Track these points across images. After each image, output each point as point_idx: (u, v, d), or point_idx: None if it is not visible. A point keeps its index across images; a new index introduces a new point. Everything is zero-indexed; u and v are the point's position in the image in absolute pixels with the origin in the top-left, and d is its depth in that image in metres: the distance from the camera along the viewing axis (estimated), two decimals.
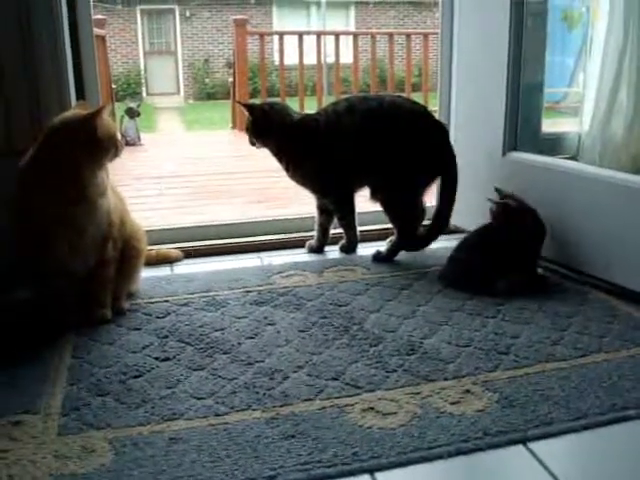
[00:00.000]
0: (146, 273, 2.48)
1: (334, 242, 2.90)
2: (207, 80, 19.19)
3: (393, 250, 2.73)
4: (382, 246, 2.79)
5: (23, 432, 1.57)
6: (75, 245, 2.08)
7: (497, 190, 2.48)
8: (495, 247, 2.35)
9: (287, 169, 2.77)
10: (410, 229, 2.71)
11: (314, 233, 2.89)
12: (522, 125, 2.79)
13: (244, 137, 2.86)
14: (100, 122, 2.04)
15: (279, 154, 2.76)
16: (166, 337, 2.05)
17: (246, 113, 2.74)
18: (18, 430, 1.58)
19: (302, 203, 3.98)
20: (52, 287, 2.13)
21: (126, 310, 2.24)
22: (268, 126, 2.72)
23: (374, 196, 2.69)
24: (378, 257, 2.72)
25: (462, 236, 2.57)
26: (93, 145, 2.03)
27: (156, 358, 1.92)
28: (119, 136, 2.14)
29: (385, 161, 2.59)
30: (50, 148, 2.03)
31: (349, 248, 2.86)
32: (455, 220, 2.76)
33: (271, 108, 2.74)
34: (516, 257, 2.35)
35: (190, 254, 2.83)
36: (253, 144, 2.76)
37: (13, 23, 2.34)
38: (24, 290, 2.25)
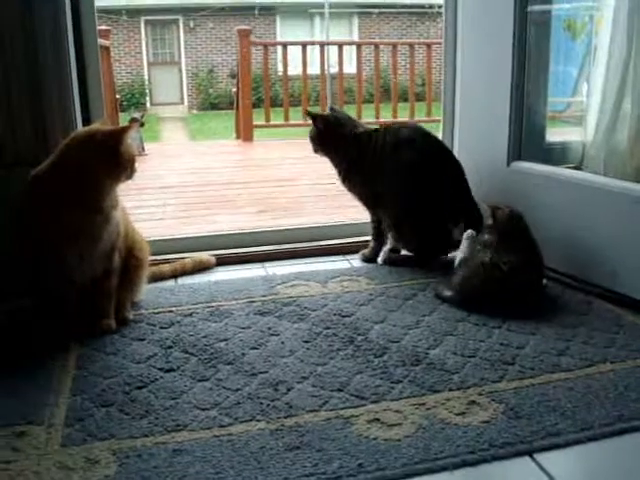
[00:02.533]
0: (149, 284, 2.48)
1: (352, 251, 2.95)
2: (211, 90, 19.22)
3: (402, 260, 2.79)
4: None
5: (26, 443, 1.57)
6: (86, 255, 2.10)
7: None
8: None
9: (340, 177, 2.83)
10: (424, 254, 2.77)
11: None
12: (526, 134, 2.79)
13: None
14: (125, 140, 2.07)
15: (336, 164, 2.83)
16: (170, 347, 2.05)
17: (311, 122, 2.82)
18: (21, 441, 1.58)
19: (306, 213, 4.00)
20: (55, 296, 2.13)
21: (130, 320, 2.24)
22: (330, 137, 2.79)
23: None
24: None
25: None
26: (115, 160, 2.05)
27: (160, 369, 1.92)
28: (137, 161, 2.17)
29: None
30: (73, 157, 2.05)
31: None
32: None
33: (336, 119, 2.81)
34: None
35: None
36: (316, 152, 2.85)
37: (18, 34, 2.34)
38: (25, 299, 2.24)
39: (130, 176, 2.14)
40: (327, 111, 2.92)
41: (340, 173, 2.82)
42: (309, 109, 2.87)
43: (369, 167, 2.71)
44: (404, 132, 2.72)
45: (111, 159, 2.04)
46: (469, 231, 2.45)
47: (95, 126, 2.18)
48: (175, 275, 2.68)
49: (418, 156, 2.64)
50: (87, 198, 2.05)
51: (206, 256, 2.83)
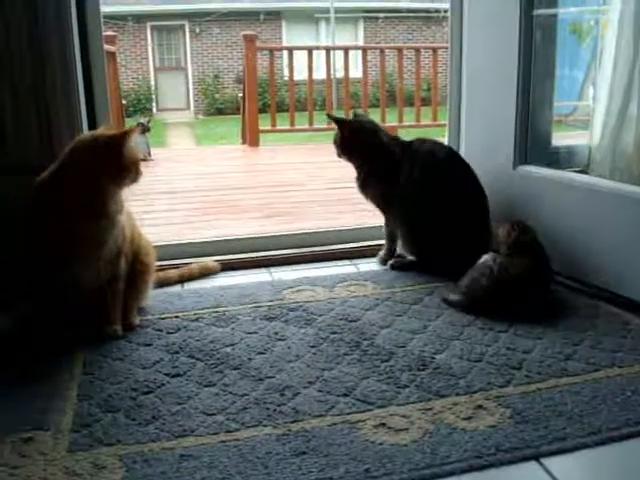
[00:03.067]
0: (156, 289, 2.48)
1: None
2: (217, 95, 19.25)
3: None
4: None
5: (33, 449, 1.57)
6: (91, 260, 2.10)
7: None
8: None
9: (358, 182, 2.84)
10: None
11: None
12: (532, 138, 2.79)
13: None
14: (128, 143, 2.07)
15: (358, 169, 2.84)
16: (177, 353, 2.05)
17: (336, 128, 2.84)
18: (28, 447, 1.58)
19: (312, 218, 4.00)
20: (59, 302, 2.14)
21: (136, 325, 2.24)
22: (354, 143, 2.80)
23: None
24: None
25: None
26: (118, 163, 2.06)
27: (167, 374, 1.92)
28: (141, 164, 2.17)
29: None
30: (77, 162, 2.05)
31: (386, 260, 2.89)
32: None
33: (361, 126, 2.83)
34: None
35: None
36: (339, 156, 2.87)
37: (24, 39, 2.36)
38: (26, 304, 2.25)
39: (135, 179, 2.14)
40: (351, 116, 2.93)
41: (359, 178, 2.84)
42: (332, 114, 2.86)
43: (389, 176, 2.72)
44: (427, 147, 2.72)
45: (114, 162, 2.05)
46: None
47: (99, 130, 2.19)
48: (182, 280, 2.69)
49: (439, 171, 2.65)
50: (91, 202, 2.05)
51: (212, 263, 2.83)
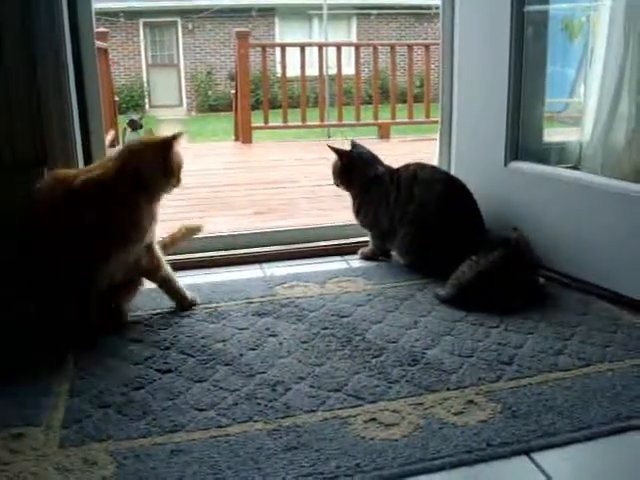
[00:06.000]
0: (149, 284, 2.47)
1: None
2: (210, 92, 19.23)
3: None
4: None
5: (24, 445, 1.57)
6: (126, 261, 2.19)
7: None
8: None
9: (354, 208, 2.89)
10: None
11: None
12: (524, 135, 2.79)
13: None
14: (176, 148, 2.21)
15: (354, 197, 2.89)
16: (168, 349, 2.05)
17: (335, 157, 2.89)
18: (19, 442, 1.58)
19: (304, 214, 4.00)
20: (59, 299, 2.15)
21: (128, 321, 2.25)
22: (352, 173, 2.86)
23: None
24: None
25: None
26: (167, 167, 2.20)
27: (158, 370, 1.92)
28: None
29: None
30: (133, 166, 2.14)
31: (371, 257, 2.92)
32: None
33: (359, 156, 2.88)
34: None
35: (192, 266, 2.82)
36: (337, 185, 2.94)
37: (16, 37, 2.35)
38: (27, 303, 2.24)
39: (177, 184, 2.24)
40: (349, 147, 2.95)
41: (355, 205, 2.88)
42: (332, 144, 2.89)
43: (385, 205, 2.74)
44: (421, 174, 2.72)
45: (165, 166, 2.19)
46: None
47: (145, 136, 2.35)
48: (167, 250, 2.63)
49: (433, 197, 2.64)
50: (146, 206, 2.17)
51: (195, 223, 2.80)
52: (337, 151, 2.90)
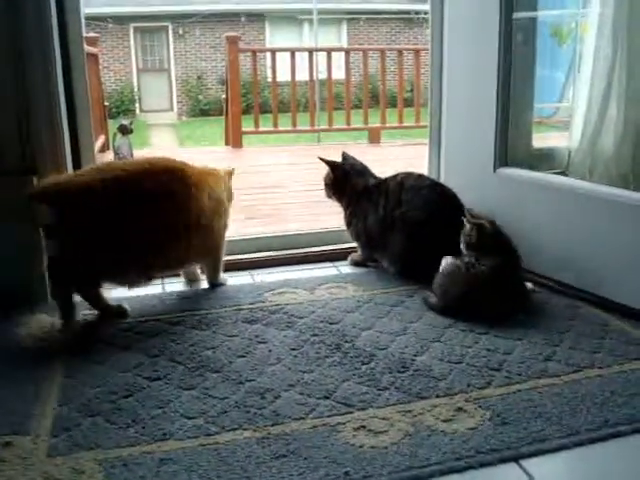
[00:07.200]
0: (137, 291, 2.47)
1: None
2: (200, 97, 19.21)
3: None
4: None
5: (12, 453, 1.56)
6: None
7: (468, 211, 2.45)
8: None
9: (345, 219, 2.91)
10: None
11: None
12: (512, 141, 2.80)
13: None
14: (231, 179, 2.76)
15: (345, 208, 2.91)
16: (157, 356, 2.04)
17: (328, 170, 2.90)
18: (7, 451, 1.57)
19: (294, 220, 4.00)
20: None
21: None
22: (343, 185, 2.87)
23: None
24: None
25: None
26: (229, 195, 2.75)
27: (147, 378, 1.91)
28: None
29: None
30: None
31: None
32: None
33: (352, 169, 2.89)
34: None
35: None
36: (329, 197, 2.96)
37: (3, 39, 2.34)
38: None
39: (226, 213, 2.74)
40: (341, 158, 2.95)
41: (347, 216, 2.89)
42: (323, 157, 2.89)
43: (374, 213, 2.74)
44: (408, 182, 2.71)
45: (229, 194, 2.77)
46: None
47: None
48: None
49: (420, 202, 2.64)
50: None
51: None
52: (329, 163, 2.90)
